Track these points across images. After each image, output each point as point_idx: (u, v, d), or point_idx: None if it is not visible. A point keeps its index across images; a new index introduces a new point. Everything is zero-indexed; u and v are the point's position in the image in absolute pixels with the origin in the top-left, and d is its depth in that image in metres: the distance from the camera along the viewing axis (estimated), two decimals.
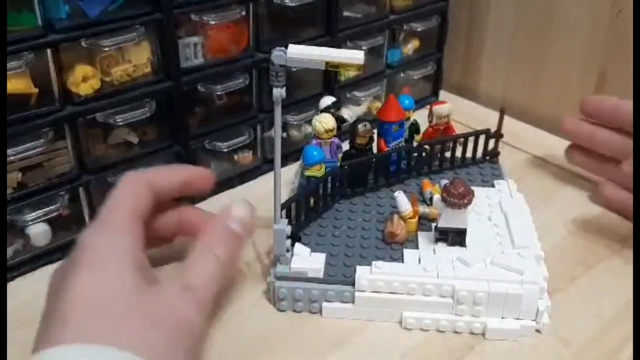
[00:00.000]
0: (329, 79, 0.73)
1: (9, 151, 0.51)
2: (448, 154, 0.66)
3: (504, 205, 0.57)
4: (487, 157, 0.67)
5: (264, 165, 0.72)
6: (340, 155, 0.63)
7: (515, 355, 0.47)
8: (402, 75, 0.83)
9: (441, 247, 0.52)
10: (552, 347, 0.48)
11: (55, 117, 0.53)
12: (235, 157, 0.69)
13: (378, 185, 0.63)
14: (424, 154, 0.64)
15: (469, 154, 0.67)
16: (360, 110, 0.80)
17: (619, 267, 0.55)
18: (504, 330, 0.48)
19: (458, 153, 0.66)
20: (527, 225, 0.55)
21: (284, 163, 0.72)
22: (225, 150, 0.66)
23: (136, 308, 0.39)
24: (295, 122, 0.72)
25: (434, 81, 0.88)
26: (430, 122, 0.67)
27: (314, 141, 0.62)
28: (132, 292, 0.39)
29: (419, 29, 0.80)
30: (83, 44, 0.53)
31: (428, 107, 0.69)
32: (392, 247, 0.54)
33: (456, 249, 0.52)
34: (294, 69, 0.68)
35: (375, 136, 0.63)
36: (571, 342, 0.48)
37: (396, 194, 0.55)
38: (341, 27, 0.71)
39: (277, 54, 0.45)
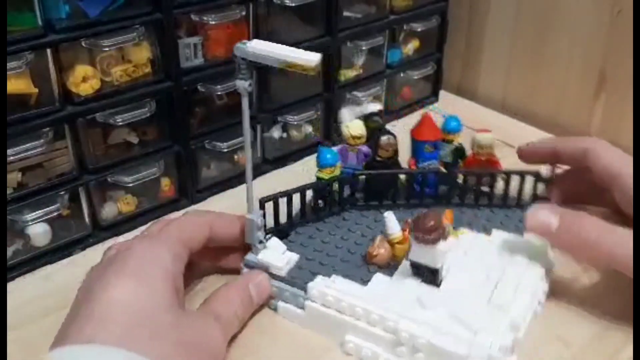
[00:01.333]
0: (329, 79, 0.73)
1: (9, 151, 0.51)
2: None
3: (516, 260, 0.50)
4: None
5: (264, 166, 0.72)
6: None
7: None
8: (402, 75, 0.83)
9: (413, 281, 0.48)
10: (552, 347, 0.48)
11: (55, 117, 0.53)
12: (235, 157, 0.69)
13: (397, 204, 0.59)
14: (457, 182, 0.59)
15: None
16: (360, 110, 0.79)
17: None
18: None
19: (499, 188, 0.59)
20: (521, 286, 0.48)
21: (284, 163, 0.73)
22: (225, 150, 0.66)
23: (171, 326, 0.41)
24: (295, 122, 0.72)
25: (434, 81, 0.88)
26: (472, 149, 0.60)
27: (342, 145, 0.60)
28: (170, 311, 0.41)
29: (419, 29, 0.80)
30: (83, 44, 0.53)
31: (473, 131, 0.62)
32: (369, 269, 0.51)
33: (426, 288, 0.47)
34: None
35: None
36: (571, 343, 0.48)
37: (386, 214, 0.52)
38: (341, 27, 0.71)
39: (238, 46, 0.45)
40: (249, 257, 0.51)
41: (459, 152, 0.61)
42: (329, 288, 0.47)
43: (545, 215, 0.48)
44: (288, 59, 0.44)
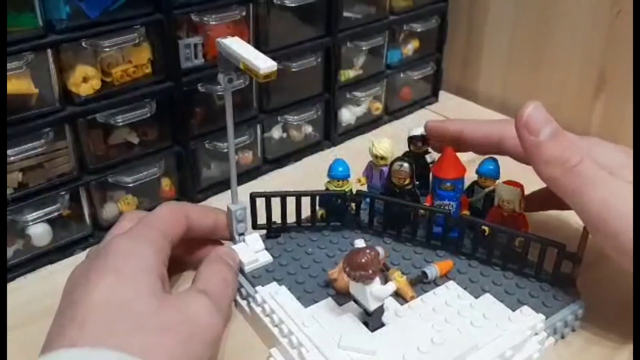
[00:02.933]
0: (329, 79, 0.73)
1: (9, 151, 0.51)
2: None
3: (485, 337, 0.44)
4: (557, 282, 0.49)
5: (264, 166, 0.72)
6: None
7: None
8: (402, 75, 0.83)
9: (354, 318, 0.46)
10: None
11: (55, 117, 0.54)
12: (236, 157, 0.69)
13: (415, 239, 0.54)
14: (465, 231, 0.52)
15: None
16: (360, 110, 0.80)
17: None
18: None
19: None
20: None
21: (284, 163, 0.73)
22: (226, 150, 0.66)
23: (152, 314, 0.40)
24: (295, 123, 0.72)
25: (434, 81, 0.88)
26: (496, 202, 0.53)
27: (370, 162, 0.58)
28: (151, 298, 0.41)
29: (419, 30, 0.80)
30: (83, 44, 0.53)
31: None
32: (328, 292, 0.49)
33: (358, 327, 0.45)
34: (293, 69, 0.68)
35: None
36: (571, 343, 0.48)
37: (357, 241, 0.50)
38: (341, 27, 0.71)
39: (218, 41, 0.47)
40: (230, 245, 0.53)
41: (491, 199, 0.54)
42: (270, 298, 0.47)
43: (540, 116, 0.45)
44: (244, 61, 0.44)
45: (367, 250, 0.42)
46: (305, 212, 0.55)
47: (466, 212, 0.54)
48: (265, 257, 0.52)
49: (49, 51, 0.52)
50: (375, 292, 0.43)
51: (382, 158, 0.56)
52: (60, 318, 0.41)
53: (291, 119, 0.71)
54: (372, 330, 0.44)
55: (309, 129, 0.75)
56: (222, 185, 0.67)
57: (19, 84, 0.50)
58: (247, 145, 0.68)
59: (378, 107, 0.81)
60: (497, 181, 0.54)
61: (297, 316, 0.45)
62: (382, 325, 0.45)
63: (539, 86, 0.83)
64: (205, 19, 0.59)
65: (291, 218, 0.55)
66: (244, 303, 0.50)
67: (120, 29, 0.54)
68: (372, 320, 0.44)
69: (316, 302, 0.48)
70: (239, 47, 0.45)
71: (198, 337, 0.41)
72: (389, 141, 0.57)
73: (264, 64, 0.43)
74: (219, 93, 0.63)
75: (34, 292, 0.54)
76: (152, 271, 0.43)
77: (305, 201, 0.54)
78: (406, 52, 0.82)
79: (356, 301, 0.45)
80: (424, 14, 0.81)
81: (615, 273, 0.52)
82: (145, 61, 0.58)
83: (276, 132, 0.72)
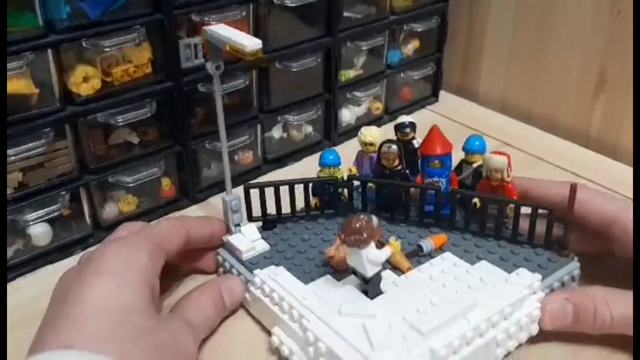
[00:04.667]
0: (329, 79, 0.73)
1: (9, 151, 0.51)
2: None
3: (485, 297, 0.44)
4: (555, 246, 0.50)
5: (264, 166, 0.72)
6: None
7: None
8: (402, 75, 0.83)
9: (355, 289, 0.46)
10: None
11: (56, 117, 0.54)
12: (235, 157, 0.69)
13: (409, 219, 0.55)
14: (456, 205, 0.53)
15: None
16: (360, 110, 0.80)
17: None
18: None
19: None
20: (470, 323, 0.42)
21: (284, 163, 0.73)
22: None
23: (151, 330, 0.40)
24: (296, 122, 0.72)
25: (434, 81, 0.88)
26: (485, 171, 0.54)
27: (359, 151, 0.60)
28: (148, 313, 0.41)
29: (419, 30, 0.80)
30: (84, 44, 0.53)
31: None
32: (326, 271, 0.49)
33: (358, 297, 0.45)
34: (294, 69, 0.68)
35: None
36: (571, 343, 0.48)
37: (350, 217, 0.49)
38: (341, 27, 0.71)
39: (204, 29, 0.49)
40: (224, 237, 0.53)
41: (479, 174, 0.55)
42: (269, 278, 0.48)
43: (558, 308, 0.46)
44: (230, 42, 0.46)
45: (360, 216, 0.44)
46: (300, 203, 0.56)
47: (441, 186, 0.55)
48: (262, 245, 0.53)
49: (50, 51, 0.52)
50: (371, 256, 0.44)
51: (372, 144, 0.58)
52: (52, 317, 0.40)
53: (291, 119, 0.72)
54: (372, 298, 0.45)
55: (309, 128, 0.75)
56: (222, 185, 0.67)
57: (19, 84, 0.50)
58: (247, 145, 0.68)
59: (378, 107, 0.81)
60: (484, 155, 0.55)
61: (297, 292, 0.46)
62: (381, 293, 0.46)
63: (539, 86, 0.83)
64: (206, 19, 0.59)
65: (286, 210, 0.56)
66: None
67: (121, 28, 0.55)
68: (371, 287, 0.45)
69: (314, 280, 0.48)
70: (225, 31, 0.47)
71: None
72: (378, 129, 0.59)
73: (250, 42, 0.45)
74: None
75: (34, 292, 0.54)
76: (148, 282, 0.43)
77: (299, 192, 0.55)
78: (406, 52, 0.82)
79: (354, 272, 0.46)
80: (424, 14, 0.81)
81: (612, 273, 0.52)
82: (146, 61, 0.58)
83: (276, 132, 0.72)
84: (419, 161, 0.56)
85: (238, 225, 0.54)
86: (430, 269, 0.49)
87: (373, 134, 0.58)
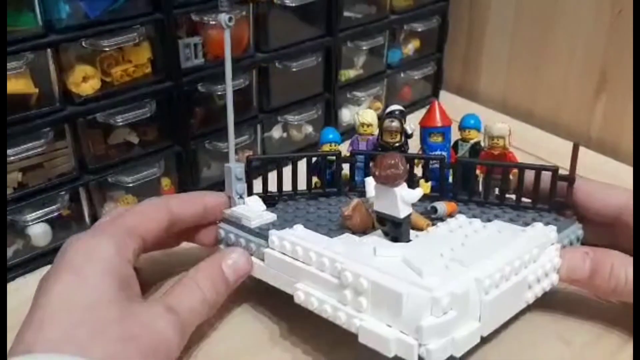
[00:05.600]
0: (329, 78, 0.73)
1: (9, 151, 0.51)
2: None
3: (508, 240, 0.45)
4: (554, 207, 0.51)
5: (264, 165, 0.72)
6: None
7: None
8: (402, 75, 0.83)
9: (381, 238, 0.46)
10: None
11: (55, 117, 0.53)
12: (235, 156, 0.69)
13: None
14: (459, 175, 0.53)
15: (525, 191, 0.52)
16: (360, 110, 0.79)
17: None
18: (376, 338, 0.38)
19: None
20: (502, 255, 0.43)
21: (285, 163, 0.73)
22: (225, 150, 0.65)
23: (114, 321, 0.38)
24: (296, 122, 0.72)
25: (434, 81, 0.88)
26: (486, 143, 0.55)
27: (355, 136, 0.59)
28: (112, 305, 0.39)
29: (419, 29, 0.80)
30: (83, 44, 0.53)
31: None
32: (342, 232, 0.48)
33: (386, 242, 0.45)
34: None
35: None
36: (571, 342, 0.48)
37: (367, 179, 0.49)
38: (341, 27, 0.71)
39: None
40: (226, 210, 0.51)
41: (478, 151, 0.56)
42: (288, 235, 0.46)
43: (578, 258, 0.46)
44: None
45: (394, 154, 0.43)
46: (302, 185, 0.55)
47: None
48: (269, 216, 0.51)
49: (49, 51, 0.51)
50: (405, 195, 0.43)
51: (369, 125, 0.57)
52: (24, 323, 0.39)
53: (291, 119, 0.71)
54: (403, 242, 0.45)
55: (309, 128, 0.75)
56: (222, 185, 0.67)
57: (18, 84, 0.50)
58: (247, 145, 0.68)
59: (378, 107, 0.81)
60: (480, 132, 0.55)
61: (323, 243, 0.45)
62: (410, 241, 0.45)
63: (539, 86, 0.82)
64: (206, 18, 0.59)
65: (287, 189, 0.55)
66: (254, 259, 0.48)
67: (120, 28, 0.54)
68: (402, 232, 0.45)
69: (332, 237, 0.47)
70: None
71: (161, 352, 0.40)
72: (371, 110, 0.59)
73: None
74: (219, 93, 0.63)
75: (34, 292, 0.53)
76: (113, 273, 0.41)
77: (302, 171, 0.54)
78: (407, 52, 0.82)
79: (381, 220, 0.45)
80: (425, 13, 0.80)
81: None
82: (145, 61, 0.57)
83: (276, 132, 0.72)
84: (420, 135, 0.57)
85: (241, 196, 0.52)
86: (447, 226, 0.49)
87: (369, 115, 0.58)
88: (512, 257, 0.43)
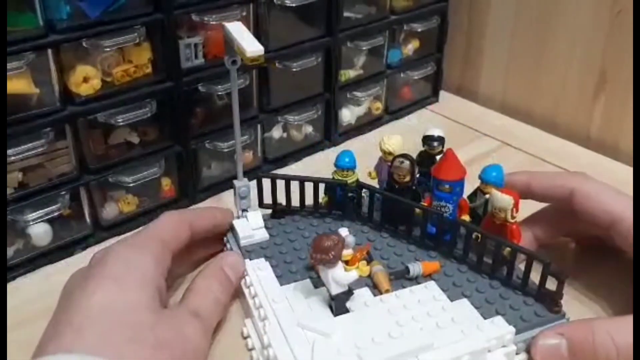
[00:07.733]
0: (329, 79, 0.73)
1: (10, 151, 0.51)
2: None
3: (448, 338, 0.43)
4: (541, 299, 0.47)
5: (265, 165, 0.72)
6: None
7: None
8: (402, 75, 0.83)
9: (324, 301, 0.47)
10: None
11: (56, 117, 0.54)
12: (236, 157, 0.69)
13: (411, 237, 0.54)
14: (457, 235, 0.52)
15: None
16: (360, 110, 0.80)
17: None
18: None
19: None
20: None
21: (285, 163, 0.73)
22: (226, 150, 0.66)
23: (150, 328, 0.40)
24: (296, 122, 0.72)
25: (434, 81, 0.88)
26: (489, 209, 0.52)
27: (380, 157, 0.58)
28: (149, 312, 0.41)
29: (419, 30, 0.80)
30: (84, 44, 0.53)
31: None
32: (312, 275, 0.49)
33: (323, 308, 0.46)
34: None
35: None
36: None
37: (340, 230, 0.49)
38: (341, 27, 0.71)
39: (223, 24, 0.51)
40: (233, 221, 0.56)
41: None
42: (253, 271, 0.50)
43: (550, 346, 0.43)
44: (236, 43, 0.48)
45: (333, 236, 0.44)
46: (309, 199, 0.57)
47: (466, 217, 0.53)
48: (262, 235, 0.55)
49: (50, 51, 0.52)
50: (336, 276, 0.44)
51: (390, 153, 0.56)
52: (56, 322, 0.40)
53: (291, 119, 0.71)
54: (335, 315, 0.46)
55: (309, 128, 0.75)
56: (222, 185, 0.67)
57: (19, 84, 0.50)
58: (247, 145, 0.68)
59: (378, 107, 0.81)
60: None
61: (270, 292, 0.48)
62: (347, 311, 0.46)
63: (539, 86, 0.83)
64: (206, 19, 0.59)
65: (295, 203, 0.57)
66: None
67: (121, 28, 0.55)
68: (335, 304, 0.46)
69: (295, 282, 0.49)
70: (236, 31, 0.49)
71: (190, 355, 0.42)
72: (400, 137, 0.57)
73: (251, 47, 0.46)
74: (219, 93, 0.63)
75: (34, 292, 0.54)
76: (151, 283, 0.43)
77: (309, 188, 0.56)
78: (406, 52, 0.82)
79: (325, 285, 0.46)
80: (425, 14, 0.81)
81: (615, 274, 0.52)
82: (146, 61, 0.58)
83: (276, 132, 0.72)
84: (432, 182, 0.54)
85: (245, 210, 0.56)
86: (407, 297, 0.48)
87: (393, 143, 0.56)
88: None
